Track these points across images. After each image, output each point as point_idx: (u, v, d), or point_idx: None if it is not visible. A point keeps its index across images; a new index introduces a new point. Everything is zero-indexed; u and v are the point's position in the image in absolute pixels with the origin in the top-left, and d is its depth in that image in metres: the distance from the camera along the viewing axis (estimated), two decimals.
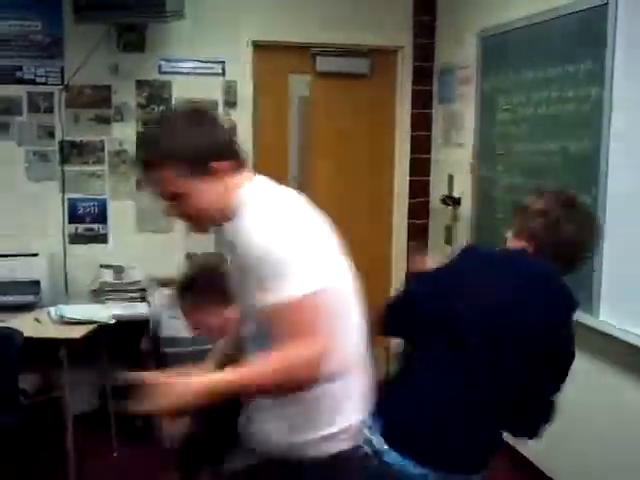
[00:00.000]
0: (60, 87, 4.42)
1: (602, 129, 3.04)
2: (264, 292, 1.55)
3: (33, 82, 4.39)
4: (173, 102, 4.57)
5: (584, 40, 3.20)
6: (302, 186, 4.85)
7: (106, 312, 3.83)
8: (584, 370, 3.23)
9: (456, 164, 4.56)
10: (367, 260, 4.97)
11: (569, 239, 1.97)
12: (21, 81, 4.37)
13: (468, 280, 1.97)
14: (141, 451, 3.88)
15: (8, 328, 3.53)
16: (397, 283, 4.97)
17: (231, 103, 4.65)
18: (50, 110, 4.43)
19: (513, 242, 2.06)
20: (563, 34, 3.37)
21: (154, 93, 4.56)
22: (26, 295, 4.03)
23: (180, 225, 4.55)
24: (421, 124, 4.96)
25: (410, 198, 5.01)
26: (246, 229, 1.59)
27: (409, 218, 5.00)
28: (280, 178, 5.02)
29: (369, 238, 4.97)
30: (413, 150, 4.99)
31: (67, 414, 3.58)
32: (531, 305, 1.91)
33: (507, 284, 1.94)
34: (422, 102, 4.94)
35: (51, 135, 4.44)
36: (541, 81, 3.55)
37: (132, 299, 4.15)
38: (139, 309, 4.03)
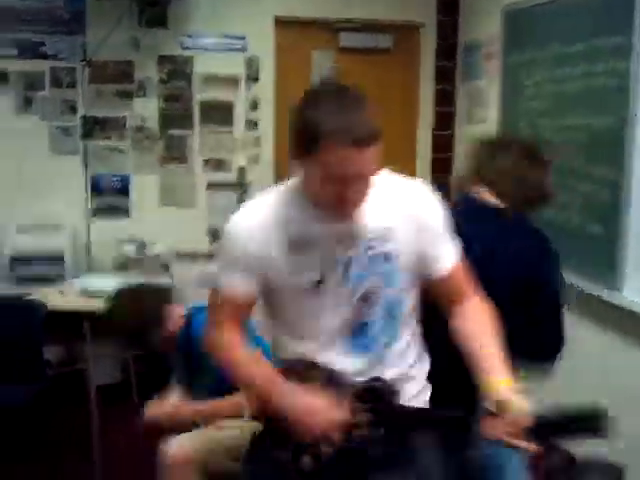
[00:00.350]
0: (82, 62, 4.43)
1: (630, 104, 2.99)
2: (444, 255, 1.70)
3: (56, 57, 4.40)
4: (194, 78, 4.57)
5: (611, 13, 3.14)
6: None
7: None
8: (607, 349, 3.22)
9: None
10: None
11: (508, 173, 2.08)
12: (44, 56, 4.39)
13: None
14: None
15: (32, 300, 3.58)
16: None
17: (253, 79, 4.63)
18: (72, 85, 4.45)
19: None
20: (590, 7, 3.31)
21: (176, 69, 4.55)
22: (50, 268, 4.08)
23: (202, 200, 4.64)
24: (444, 100, 4.92)
25: (432, 175, 4.98)
26: (424, 201, 1.71)
27: None
28: None
29: None
30: (436, 127, 4.96)
31: (90, 386, 3.62)
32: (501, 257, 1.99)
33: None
34: (445, 78, 4.90)
35: (73, 110, 4.46)
36: (567, 56, 3.50)
37: (154, 273, 4.17)
38: (161, 283, 4.04)
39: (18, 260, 4.06)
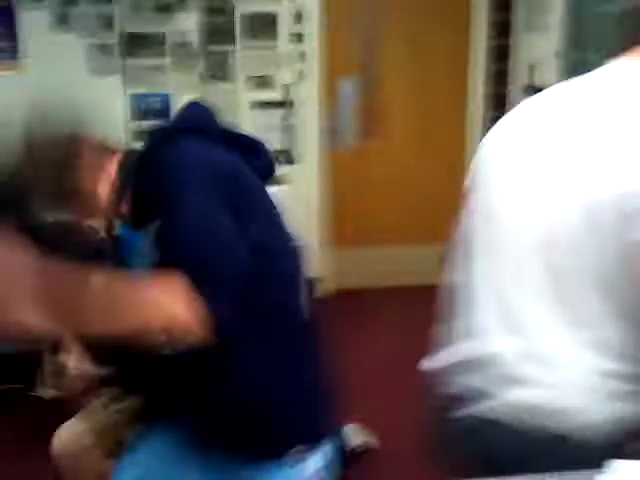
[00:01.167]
0: None
1: None
2: None
3: None
4: None
5: None
6: (370, 75, 4.60)
7: None
8: None
9: (539, 51, 4.21)
10: (440, 160, 4.77)
11: None
12: None
13: None
14: None
15: None
16: None
17: None
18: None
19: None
20: None
21: None
22: None
23: (246, 120, 4.44)
24: (501, 6, 4.57)
25: (486, 88, 4.69)
26: None
27: (485, 110, 4.70)
28: (347, 64, 4.73)
29: (442, 132, 4.74)
30: (491, 36, 4.63)
31: None
32: None
33: None
34: None
35: (110, 26, 4.26)
36: None
37: None
38: None
39: None
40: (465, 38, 4.67)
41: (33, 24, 4.18)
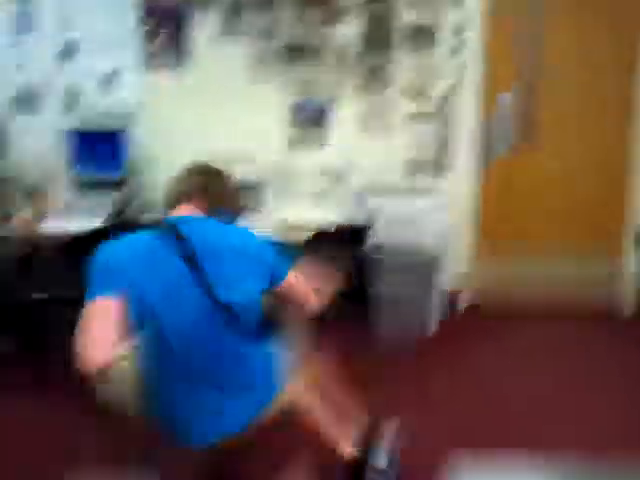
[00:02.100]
0: None
1: None
2: None
3: None
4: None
5: None
6: (528, 85, 4.45)
7: (327, 217, 3.77)
8: None
9: None
10: (599, 172, 4.54)
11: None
12: None
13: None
14: None
15: None
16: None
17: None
18: (274, 9, 4.32)
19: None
20: None
21: None
22: (248, 198, 4.07)
23: (400, 130, 4.42)
24: None
25: None
26: None
27: None
28: (505, 76, 4.56)
29: (603, 144, 4.51)
30: None
31: None
32: None
33: None
34: None
35: (272, 35, 4.35)
36: None
37: (351, 205, 4.07)
38: (358, 215, 3.94)
39: None
40: (634, 44, 4.41)
41: (199, 32, 4.35)
